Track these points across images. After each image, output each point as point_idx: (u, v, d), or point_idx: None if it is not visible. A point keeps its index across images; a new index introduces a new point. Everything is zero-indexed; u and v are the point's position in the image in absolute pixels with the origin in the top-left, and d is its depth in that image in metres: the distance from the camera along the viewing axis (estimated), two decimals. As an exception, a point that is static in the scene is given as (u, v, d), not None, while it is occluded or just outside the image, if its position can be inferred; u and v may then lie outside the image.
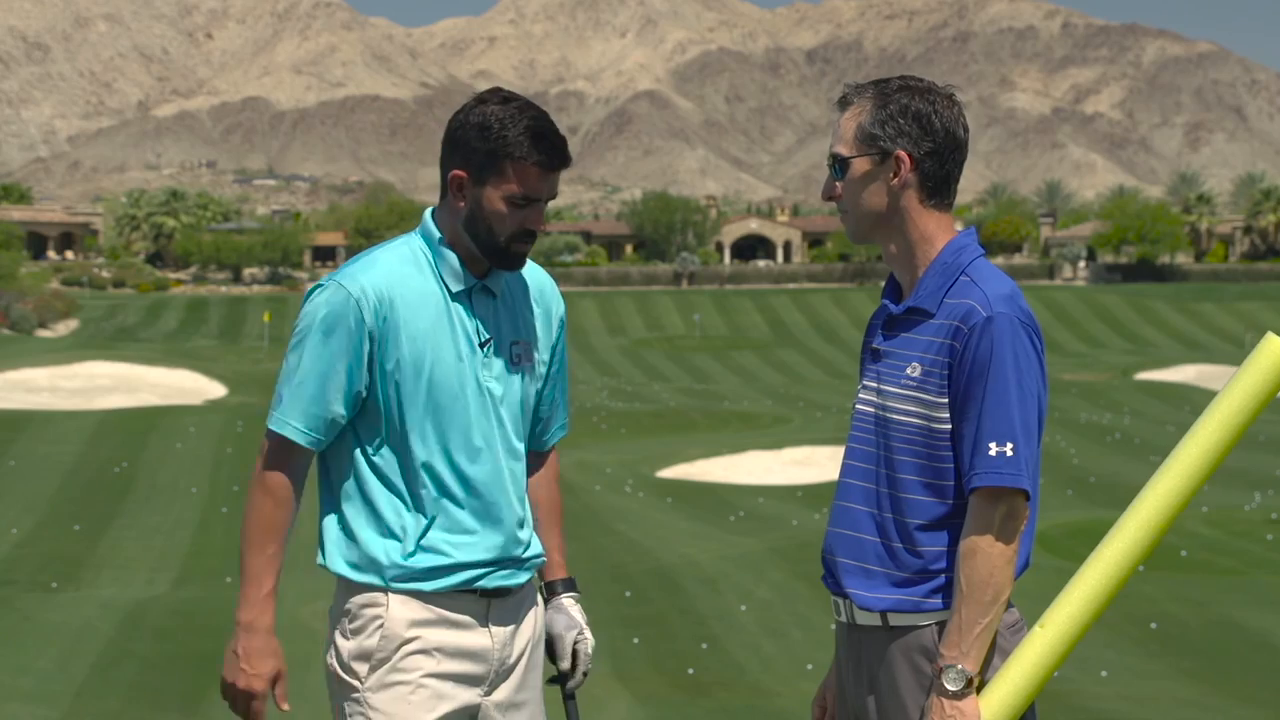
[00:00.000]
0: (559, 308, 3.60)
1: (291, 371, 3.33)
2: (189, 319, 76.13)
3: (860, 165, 3.23)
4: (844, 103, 3.28)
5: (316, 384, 3.32)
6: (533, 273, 3.57)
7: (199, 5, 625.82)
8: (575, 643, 3.58)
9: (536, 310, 3.53)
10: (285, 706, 3.33)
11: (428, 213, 3.45)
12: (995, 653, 3.18)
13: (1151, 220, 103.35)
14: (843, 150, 3.25)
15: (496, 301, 3.44)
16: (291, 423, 3.32)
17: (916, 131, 3.21)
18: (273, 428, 3.33)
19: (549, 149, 3.32)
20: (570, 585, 3.65)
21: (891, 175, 3.22)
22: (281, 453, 3.34)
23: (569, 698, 3.58)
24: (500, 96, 3.35)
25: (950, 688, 3.02)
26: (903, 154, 3.21)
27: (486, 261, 3.41)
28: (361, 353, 3.31)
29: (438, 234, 3.41)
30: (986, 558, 3.05)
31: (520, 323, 3.48)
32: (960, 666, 3.04)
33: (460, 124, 3.34)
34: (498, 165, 3.30)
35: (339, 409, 3.33)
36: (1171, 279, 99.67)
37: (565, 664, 3.57)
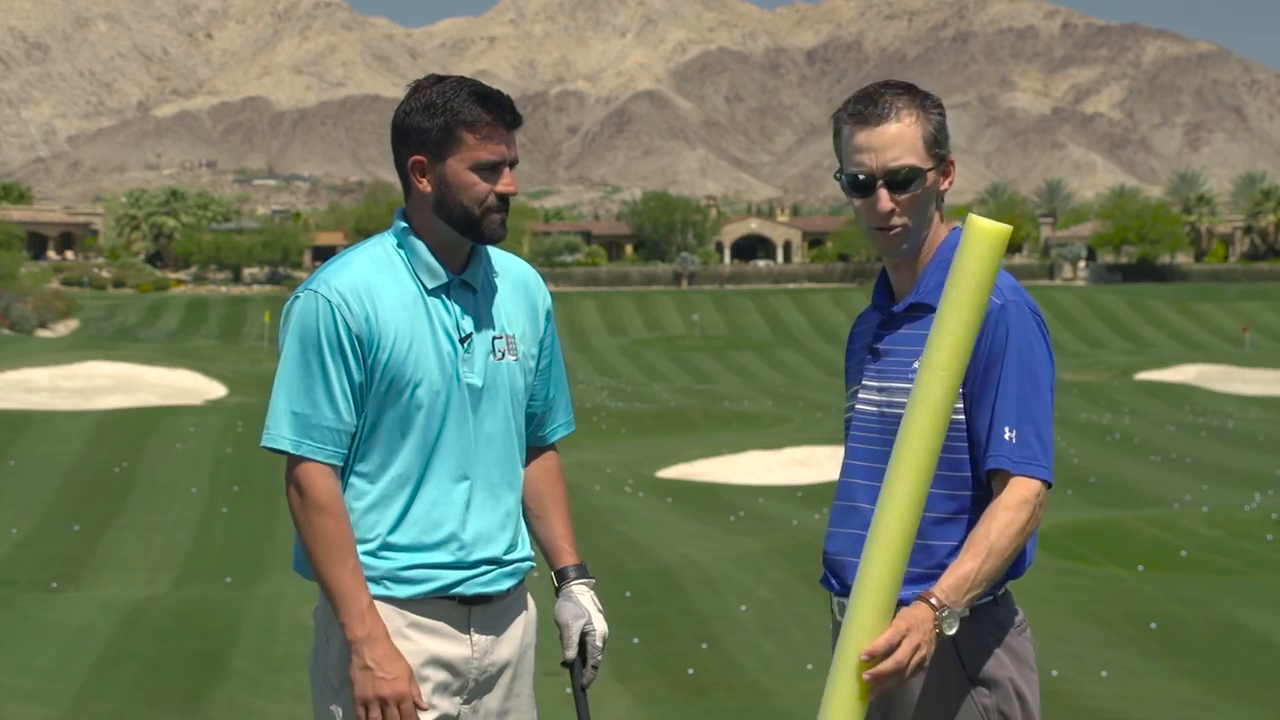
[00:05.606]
0: (545, 301, 3.54)
1: (279, 385, 3.29)
2: (189, 319, 76.04)
3: (932, 176, 3.21)
4: (880, 116, 3.16)
5: (304, 395, 3.26)
6: (515, 265, 3.53)
7: (199, 5, 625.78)
8: (584, 633, 3.51)
9: (521, 303, 3.48)
10: (425, 705, 3.29)
11: (397, 213, 3.42)
12: (1002, 650, 3.17)
13: (1151, 220, 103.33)
14: (918, 162, 3.17)
15: (477, 296, 3.39)
16: (286, 435, 3.26)
17: (947, 135, 3.27)
18: (264, 444, 3.28)
19: (498, 106, 3.31)
20: (581, 571, 3.57)
21: (945, 181, 3.24)
22: (292, 467, 3.28)
23: (580, 690, 3.48)
24: (433, 79, 3.35)
25: (948, 632, 2.99)
26: (953, 159, 3.24)
27: (465, 243, 3.37)
28: (350, 357, 3.26)
29: (409, 231, 3.37)
30: (1008, 524, 3.03)
31: (503, 316, 3.42)
32: (960, 612, 3.00)
33: (405, 113, 3.33)
34: (454, 135, 3.28)
35: (342, 415, 3.28)
36: (1171, 279, 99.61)
37: (570, 654, 3.48)
